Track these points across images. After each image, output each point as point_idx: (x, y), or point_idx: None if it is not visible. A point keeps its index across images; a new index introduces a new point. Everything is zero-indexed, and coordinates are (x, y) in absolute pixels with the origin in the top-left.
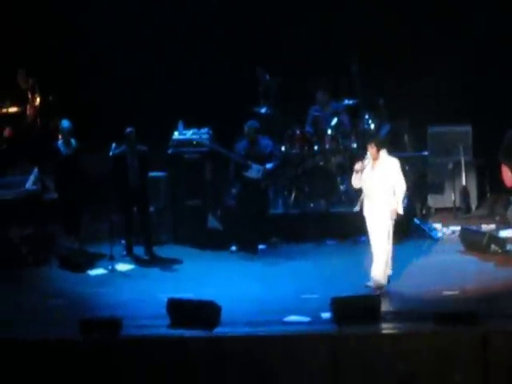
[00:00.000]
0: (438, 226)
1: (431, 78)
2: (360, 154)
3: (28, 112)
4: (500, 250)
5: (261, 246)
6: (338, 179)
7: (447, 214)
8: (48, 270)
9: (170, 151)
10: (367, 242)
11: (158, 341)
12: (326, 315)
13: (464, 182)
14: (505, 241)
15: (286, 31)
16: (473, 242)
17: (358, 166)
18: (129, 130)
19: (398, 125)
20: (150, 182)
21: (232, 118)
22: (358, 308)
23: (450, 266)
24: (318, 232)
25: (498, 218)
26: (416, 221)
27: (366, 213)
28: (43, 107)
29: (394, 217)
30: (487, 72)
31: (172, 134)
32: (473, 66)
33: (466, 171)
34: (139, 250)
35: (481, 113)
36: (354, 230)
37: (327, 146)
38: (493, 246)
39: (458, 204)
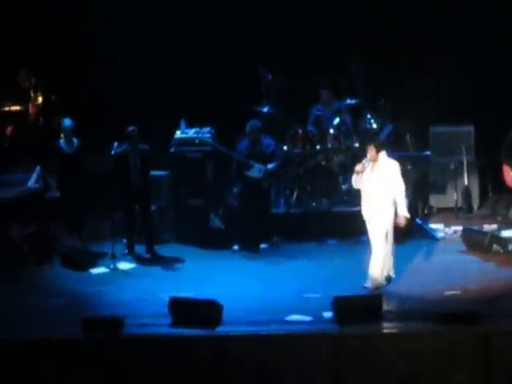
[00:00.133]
0: (439, 225)
1: (432, 77)
2: (362, 154)
3: (30, 111)
4: (502, 250)
5: (263, 245)
6: (340, 178)
7: (449, 214)
8: (50, 269)
9: (172, 150)
10: (369, 242)
11: (159, 340)
12: (328, 314)
13: (466, 182)
14: (507, 241)
15: (286, 31)
16: (475, 242)
17: (358, 167)
18: (131, 128)
19: (400, 124)
20: (152, 180)
21: (234, 118)
22: (360, 307)
23: (452, 265)
24: (320, 231)
25: (499, 218)
26: (418, 221)
27: (364, 214)
28: (45, 106)
29: (404, 222)
30: (489, 72)
31: (174, 133)
32: (475, 66)
33: (468, 171)
34: (141, 249)
35: (483, 113)
36: (355, 230)
37: (329, 146)
38: (495, 246)
39: (459, 204)
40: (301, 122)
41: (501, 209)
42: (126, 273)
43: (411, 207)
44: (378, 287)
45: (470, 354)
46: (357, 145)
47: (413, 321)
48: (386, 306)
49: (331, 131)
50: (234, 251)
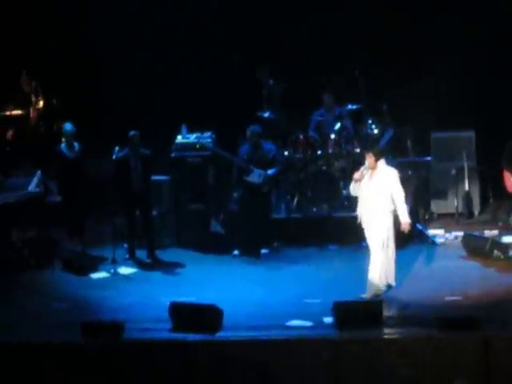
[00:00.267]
0: (440, 231)
1: (432, 78)
2: (363, 159)
3: (31, 115)
4: (503, 256)
5: (263, 250)
6: (341, 184)
7: (450, 220)
8: (50, 273)
9: (173, 155)
10: (369, 248)
11: (160, 344)
12: (329, 320)
13: (467, 188)
14: (507, 246)
15: (286, 31)
16: (475, 248)
17: (357, 175)
18: (132, 133)
19: (401, 130)
20: (153, 185)
21: (235, 123)
22: (361, 313)
23: (453, 271)
24: (321, 236)
25: (500, 224)
26: (418, 226)
27: (363, 223)
28: (46, 110)
29: (407, 228)
30: (489, 73)
31: (175, 137)
32: (474, 67)
33: (468, 177)
34: (142, 254)
35: (484, 119)
36: (356, 235)
37: (330, 151)
38: (495, 252)
39: (460, 209)
40: (302, 127)
41: (501, 214)
42: (126, 277)
43: (412, 212)
44: (377, 294)
45: (470, 360)
46: (358, 150)
47: (413, 326)
48: (386, 312)
49: (332, 136)
50: (235, 256)
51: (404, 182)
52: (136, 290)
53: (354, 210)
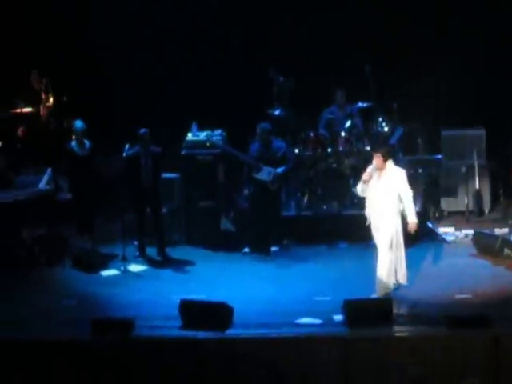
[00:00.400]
0: (450, 229)
1: (432, 78)
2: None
3: (41, 112)
4: None
5: (273, 248)
6: (351, 181)
7: (460, 218)
8: (61, 271)
9: (183, 152)
10: None
11: (170, 342)
12: (339, 317)
13: (477, 186)
14: None
15: (286, 31)
16: (486, 246)
17: (365, 175)
18: (143, 130)
19: (411, 128)
20: (163, 182)
21: (246, 120)
22: (371, 311)
23: (463, 269)
24: (331, 234)
25: (511, 222)
26: (429, 224)
27: (371, 222)
28: (57, 107)
29: (415, 228)
30: (499, 76)
31: (185, 135)
32: (488, 70)
33: (479, 175)
34: (152, 251)
35: (495, 116)
36: (366, 233)
37: (340, 149)
38: (506, 250)
39: (471, 207)
40: (312, 124)
41: None
42: (136, 275)
43: (422, 211)
44: (386, 293)
45: (480, 358)
46: (368, 148)
47: (423, 324)
48: (396, 310)
49: (342, 134)
50: (245, 254)
51: (414, 180)
52: (146, 288)
53: (363, 207)
